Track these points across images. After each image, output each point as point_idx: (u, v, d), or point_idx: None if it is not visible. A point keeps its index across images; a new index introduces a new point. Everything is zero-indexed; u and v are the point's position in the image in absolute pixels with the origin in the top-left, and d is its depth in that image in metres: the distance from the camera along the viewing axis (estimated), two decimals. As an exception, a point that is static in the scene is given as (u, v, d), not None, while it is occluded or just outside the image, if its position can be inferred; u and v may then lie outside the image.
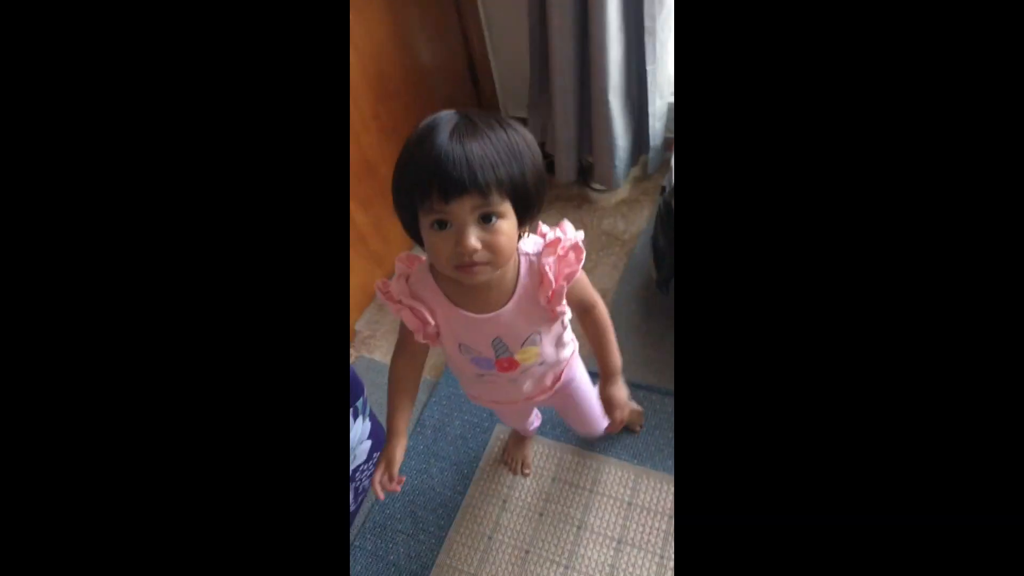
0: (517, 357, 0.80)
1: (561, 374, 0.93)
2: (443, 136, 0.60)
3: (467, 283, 0.69)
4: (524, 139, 0.65)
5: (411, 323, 0.75)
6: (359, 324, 1.64)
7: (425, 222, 0.64)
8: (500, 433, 1.35)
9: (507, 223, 0.64)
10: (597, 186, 1.84)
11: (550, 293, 0.73)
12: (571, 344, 0.90)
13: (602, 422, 1.09)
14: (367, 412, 1.15)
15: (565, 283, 0.73)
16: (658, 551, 1.13)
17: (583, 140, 1.76)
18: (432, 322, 0.75)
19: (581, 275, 0.76)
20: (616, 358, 0.89)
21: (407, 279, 0.76)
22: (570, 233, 0.73)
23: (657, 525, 1.17)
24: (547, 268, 0.72)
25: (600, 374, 0.91)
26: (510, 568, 1.17)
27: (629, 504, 1.19)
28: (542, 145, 1.89)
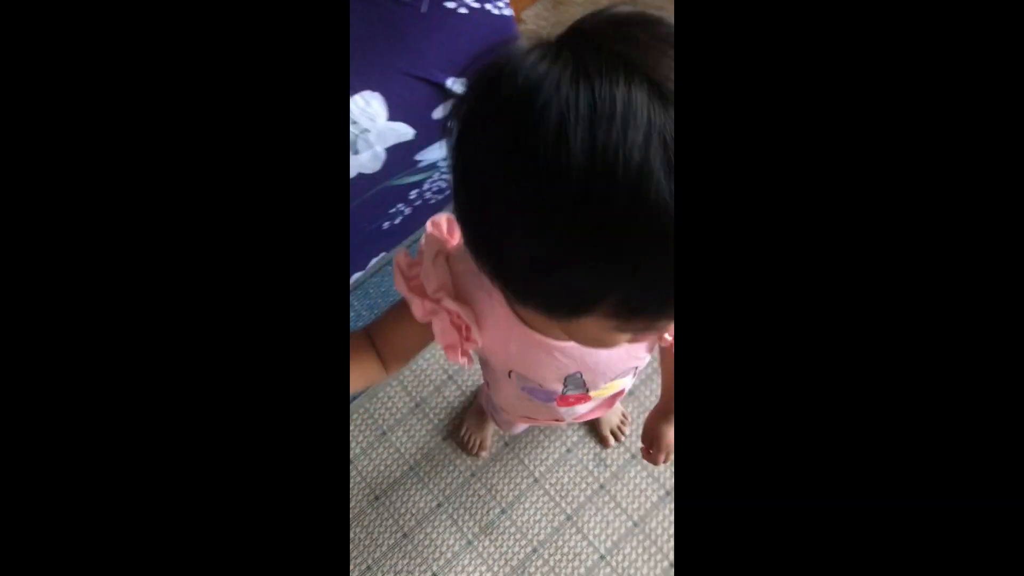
0: (593, 393, 0.57)
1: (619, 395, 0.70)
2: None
3: None
4: None
5: (446, 337, 0.46)
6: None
7: (609, 324, 0.34)
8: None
9: None
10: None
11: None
12: None
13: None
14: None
15: None
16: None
17: None
18: (479, 342, 0.47)
19: None
20: None
21: (447, 260, 0.46)
22: None
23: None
24: None
25: (661, 404, 0.70)
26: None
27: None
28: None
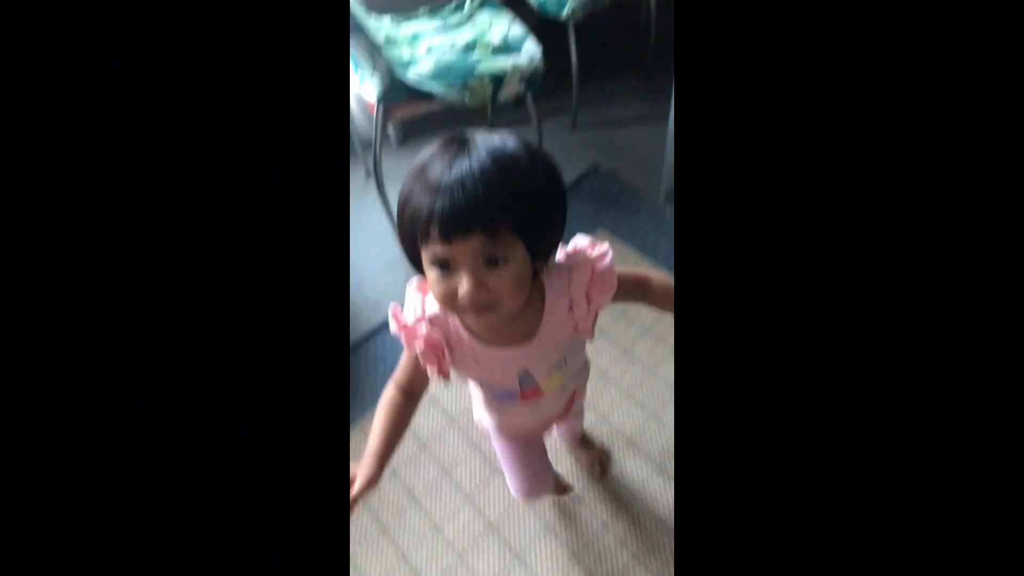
0: (543, 386, 0.74)
1: (575, 396, 0.89)
2: (447, 165, 0.52)
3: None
4: (544, 168, 0.56)
5: (428, 357, 0.66)
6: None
7: (425, 258, 0.56)
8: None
9: (516, 265, 0.55)
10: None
11: (581, 322, 0.66)
12: (586, 359, 0.85)
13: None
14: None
15: (598, 308, 0.66)
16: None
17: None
18: (449, 359, 0.67)
19: (614, 273, 0.66)
20: None
21: (423, 304, 0.66)
22: (598, 250, 0.65)
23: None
24: (578, 295, 0.64)
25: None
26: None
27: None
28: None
